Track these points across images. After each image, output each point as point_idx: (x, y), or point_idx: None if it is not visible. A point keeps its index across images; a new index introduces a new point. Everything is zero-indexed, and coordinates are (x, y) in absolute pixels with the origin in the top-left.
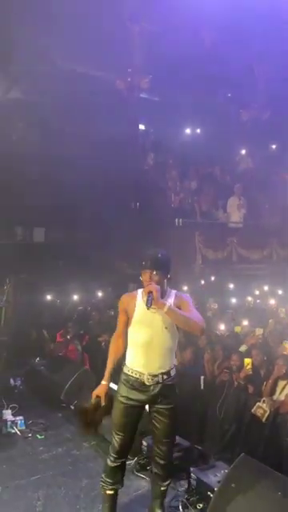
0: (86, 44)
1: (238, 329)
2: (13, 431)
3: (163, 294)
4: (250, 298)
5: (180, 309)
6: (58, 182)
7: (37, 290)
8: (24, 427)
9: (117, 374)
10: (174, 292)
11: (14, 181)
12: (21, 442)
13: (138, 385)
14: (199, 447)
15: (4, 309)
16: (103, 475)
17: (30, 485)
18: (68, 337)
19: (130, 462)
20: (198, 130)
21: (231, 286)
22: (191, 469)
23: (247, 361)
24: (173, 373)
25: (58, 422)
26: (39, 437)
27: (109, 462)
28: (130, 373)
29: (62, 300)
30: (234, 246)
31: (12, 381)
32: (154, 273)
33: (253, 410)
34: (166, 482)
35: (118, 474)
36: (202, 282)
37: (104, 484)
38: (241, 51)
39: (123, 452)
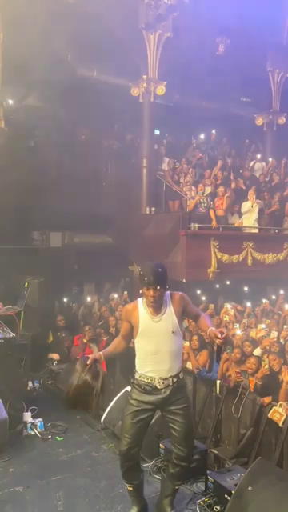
0: (102, 51)
1: (252, 333)
2: (33, 433)
3: (163, 303)
4: (265, 302)
5: (186, 310)
6: (73, 188)
7: (53, 294)
8: (43, 429)
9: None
10: (168, 294)
11: (31, 186)
12: (41, 444)
13: (149, 389)
14: (215, 451)
15: (23, 312)
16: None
17: (50, 485)
18: (84, 340)
19: (148, 465)
20: (213, 135)
21: (246, 290)
22: (208, 472)
23: (265, 362)
24: (181, 375)
25: (77, 424)
26: (58, 439)
27: (120, 467)
28: (140, 378)
29: (77, 303)
30: (250, 250)
31: (30, 383)
32: (158, 287)
33: (269, 415)
34: (180, 482)
35: (130, 475)
36: (217, 286)
37: (124, 481)
38: (255, 56)
39: (130, 455)
